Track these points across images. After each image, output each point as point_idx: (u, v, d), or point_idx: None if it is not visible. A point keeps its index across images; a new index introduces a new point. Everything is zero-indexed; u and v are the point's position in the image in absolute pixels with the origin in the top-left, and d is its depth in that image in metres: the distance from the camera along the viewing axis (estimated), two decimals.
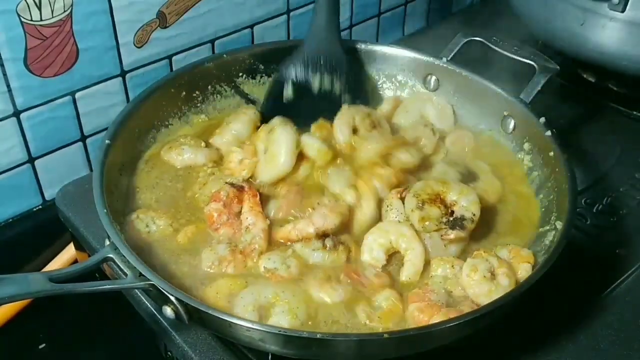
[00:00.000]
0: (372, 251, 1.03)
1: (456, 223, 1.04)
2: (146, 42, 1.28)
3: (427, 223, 1.03)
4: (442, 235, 1.04)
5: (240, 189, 1.06)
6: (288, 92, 1.25)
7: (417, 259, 1.02)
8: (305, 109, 1.23)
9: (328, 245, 1.02)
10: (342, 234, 1.05)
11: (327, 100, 1.25)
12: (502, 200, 1.15)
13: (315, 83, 1.25)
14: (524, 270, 0.99)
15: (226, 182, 1.08)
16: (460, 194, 1.06)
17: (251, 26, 1.44)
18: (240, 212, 1.05)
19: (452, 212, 1.05)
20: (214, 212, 1.05)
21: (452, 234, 1.03)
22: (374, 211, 1.08)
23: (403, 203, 1.07)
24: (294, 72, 1.24)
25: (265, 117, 1.22)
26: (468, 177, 1.18)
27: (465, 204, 1.05)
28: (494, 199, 1.15)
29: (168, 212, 1.08)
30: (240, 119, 1.21)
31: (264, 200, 1.08)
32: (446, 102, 1.31)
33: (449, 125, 1.29)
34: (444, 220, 1.04)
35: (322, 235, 1.03)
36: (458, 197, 1.06)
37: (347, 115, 1.19)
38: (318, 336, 0.83)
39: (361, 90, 1.30)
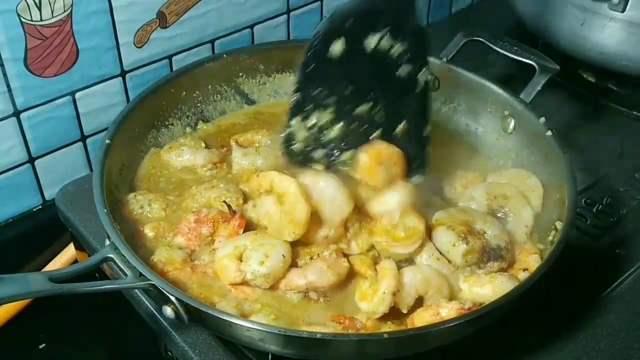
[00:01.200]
0: (409, 297, 0.94)
1: (496, 254, 0.99)
2: (146, 42, 1.28)
3: (470, 257, 0.98)
4: (481, 268, 0.99)
5: (233, 213, 1.01)
6: (336, 47, 0.99)
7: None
8: (352, 76, 1.02)
9: (313, 298, 0.96)
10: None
11: (380, 70, 1.03)
12: None
13: (372, 42, 1.00)
14: (533, 261, 0.98)
15: (224, 201, 1.05)
16: (485, 222, 1.02)
17: (251, 26, 1.43)
18: (207, 235, 1.02)
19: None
20: (185, 222, 1.03)
21: (496, 266, 0.98)
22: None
23: (429, 238, 1.00)
24: (347, 23, 0.99)
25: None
26: None
27: (495, 233, 1.01)
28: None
29: (164, 201, 1.09)
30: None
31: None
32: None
33: None
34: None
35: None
36: (484, 226, 1.02)
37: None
38: (318, 336, 0.83)
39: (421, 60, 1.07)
